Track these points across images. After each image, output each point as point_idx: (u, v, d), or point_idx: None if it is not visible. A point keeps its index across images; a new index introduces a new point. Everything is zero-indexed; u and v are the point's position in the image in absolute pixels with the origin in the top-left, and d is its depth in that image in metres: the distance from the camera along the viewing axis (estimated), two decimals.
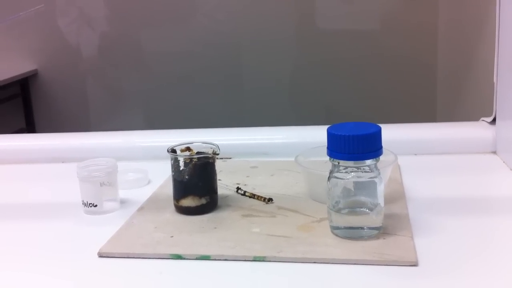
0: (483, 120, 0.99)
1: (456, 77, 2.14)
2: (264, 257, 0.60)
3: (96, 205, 0.76)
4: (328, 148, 0.64)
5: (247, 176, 0.87)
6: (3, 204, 0.84)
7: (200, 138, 0.77)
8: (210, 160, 0.74)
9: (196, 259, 0.61)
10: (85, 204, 0.76)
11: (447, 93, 2.30)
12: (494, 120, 0.96)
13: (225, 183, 0.82)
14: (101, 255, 0.63)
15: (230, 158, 0.97)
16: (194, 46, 2.61)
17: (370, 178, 0.64)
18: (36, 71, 2.83)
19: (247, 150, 0.99)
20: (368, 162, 0.63)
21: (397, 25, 2.54)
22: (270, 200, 0.76)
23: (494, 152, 0.93)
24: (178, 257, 0.62)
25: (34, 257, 0.65)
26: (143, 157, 0.99)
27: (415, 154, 0.94)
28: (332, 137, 0.63)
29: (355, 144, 0.62)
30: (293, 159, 0.80)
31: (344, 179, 0.64)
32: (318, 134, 0.90)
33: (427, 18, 2.47)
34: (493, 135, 0.94)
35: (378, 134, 0.63)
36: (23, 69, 2.77)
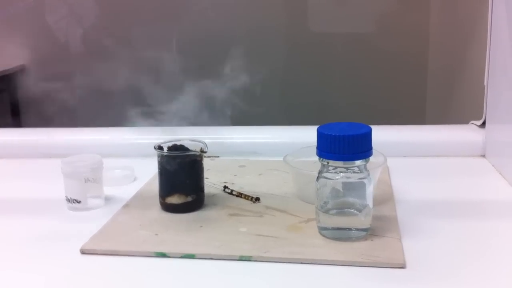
0: (472, 124, 0.98)
1: (446, 80, 2.14)
2: (250, 256, 0.59)
3: (80, 202, 0.74)
4: (317, 148, 0.63)
5: (235, 175, 0.86)
6: None
7: (188, 136, 0.76)
8: (198, 158, 0.73)
9: (181, 257, 0.60)
10: (68, 200, 0.75)
11: (437, 96, 2.30)
12: (483, 123, 0.95)
13: (212, 182, 0.81)
14: (83, 252, 0.62)
15: (218, 156, 0.96)
16: (185, 45, 2.59)
17: (359, 179, 0.63)
18: (23, 67, 2.80)
19: (235, 149, 0.98)
20: (358, 162, 0.62)
21: (388, 28, 2.54)
22: (257, 199, 0.75)
23: (483, 156, 0.93)
24: (163, 255, 0.60)
25: (15, 253, 0.64)
26: (129, 154, 0.98)
27: (404, 156, 0.94)
28: (322, 136, 0.63)
29: (345, 144, 0.61)
30: (281, 158, 0.79)
31: (333, 179, 0.63)
32: (307, 134, 0.89)
33: (418, 21, 2.47)
34: (482, 138, 0.94)
35: (368, 135, 0.63)
36: (10, 64, 2.74)
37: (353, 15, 2.55)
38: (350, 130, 0.62)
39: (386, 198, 0.75)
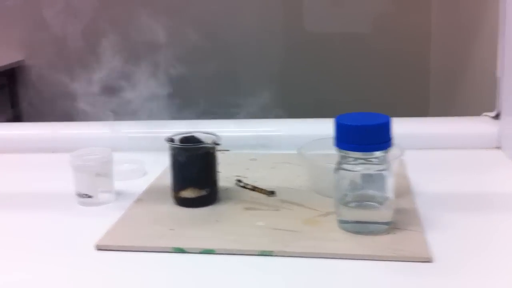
0: (485, 115, 0.97)
1: (449, 77, 2.13)
2: (271, 251, 0.58)
3: (91, 196, 0.72)
4: (336, 138, 0.61)
5: (247, 169, 0.84)
6: None
7: (197, 129, 0.74)
8: (211, 150, 0.71)
9: (200, 253, 0.58)
10: (79, 195, 0.73)
11: (439, 94, 2.28)
12: (497, 115, 0.94)
13: (224, 175, 0.80)
14: (99, 248, 0.60)
15: (228, 150, 0.94)
16: (185, 39, 2.57)
17: (379, 170, 0.61)
18: (23, 62, 2.77)
19: (244, 143, 0.96)
20: (377, 154, 0.61)
21: (390, 27, 2.52)
22: (272, 193, 0.73)
23: (499, 148, 0.91)
24: (181, 250, 0.59)
25: (27, 251, 0.62)
26: (138, 148, 0.96)
27: (419, 149, 0.92)
28: (340, 127, 0.61)
29: (364, 134, 0.59)
30: (291, 152, 0.77)
31: (352, 171, 0.61)
32: (316, 127, 0.87)
33: (420, 20, 2.46)
34: (497, 130, 0.92)
35: (387, 124, 0.61)
36: (10, 59, 2.71)
37: (352, 15, 2.53)
38: (369, 120, 0.60)
39: (403, 191, 0.73)
